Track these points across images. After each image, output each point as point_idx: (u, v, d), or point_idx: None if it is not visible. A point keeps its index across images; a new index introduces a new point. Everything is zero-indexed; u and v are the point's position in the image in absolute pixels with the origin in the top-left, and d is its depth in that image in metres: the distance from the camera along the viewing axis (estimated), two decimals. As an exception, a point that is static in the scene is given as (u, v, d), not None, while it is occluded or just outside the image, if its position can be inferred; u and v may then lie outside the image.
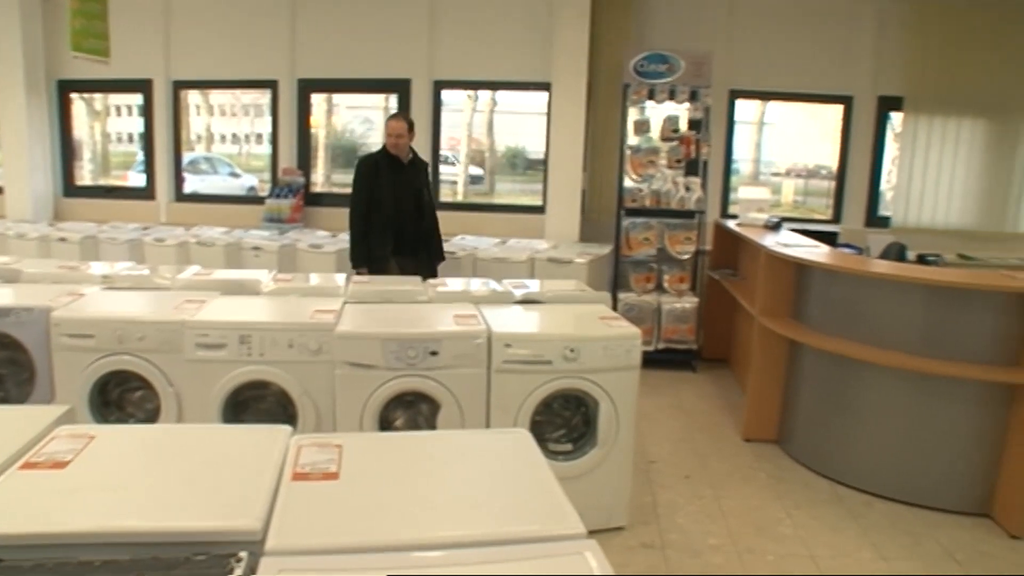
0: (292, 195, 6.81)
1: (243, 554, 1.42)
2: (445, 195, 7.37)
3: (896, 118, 7.07)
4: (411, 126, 5.32)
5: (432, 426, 3.33)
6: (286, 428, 1.99)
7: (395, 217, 5.25)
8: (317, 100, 7.33)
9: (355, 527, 1.55)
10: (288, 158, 7.03)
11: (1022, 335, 3.88)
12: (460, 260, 5.86)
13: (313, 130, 7.29)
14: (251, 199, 7.51)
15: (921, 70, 6.84)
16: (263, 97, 7.21)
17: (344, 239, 6.19)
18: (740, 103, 7.09)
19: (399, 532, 1.53)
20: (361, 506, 1.64)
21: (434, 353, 3.23)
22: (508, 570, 1.42)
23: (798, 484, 4.31)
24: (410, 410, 3.43)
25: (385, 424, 3.36)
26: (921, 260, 6.61)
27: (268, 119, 7.17)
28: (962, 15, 6.71)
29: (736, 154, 7.40)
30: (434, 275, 5.42)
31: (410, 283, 4.20)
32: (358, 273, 5.03)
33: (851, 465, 4.32)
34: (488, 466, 1.91)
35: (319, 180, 7.53)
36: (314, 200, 7.10)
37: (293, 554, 1.44)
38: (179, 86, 7.14)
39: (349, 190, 7.56)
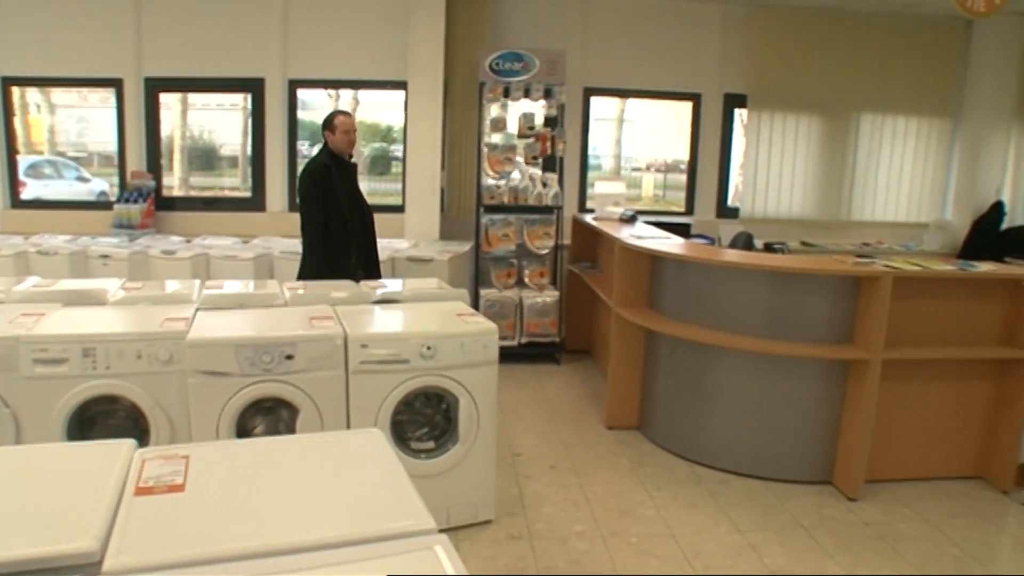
0: (142, 200, 6.53)
1: (79, 577, 1.38)
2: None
3: (742, 115, 7.44)
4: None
5: (292, 431, 3.28)
6: (129, 442, 1.91)
7: (355, 223, 4.86)
8: (170, 100, 7.04)
9: (200, 539, 1.51)
10: (137, 161, 6.73)
11: (853, 315, 4.16)
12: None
13: (167, 131, 7.00)
14: (99, 204, 7.12)
15: (762, 69, 7.26)
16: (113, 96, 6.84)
17: (200, 244, 6.00)
18: (598, 100, 7.28)
19: (246, 540, 1.50)
20: (207, 517, 1.60)
21: (290, 357, 3.18)
22: (357, 570, 1.42)
23: (659, 467, 4.47)
24: (269, 416, 3.37)
25: (244, 432, 3.28)
26: (768, 248, 6.98)
27: (114, 120, 6.81)
28: (797, 19, 7.17)
29: (595, 150, 7.61)
30: None
31: (266, 287, 4.11)
32: None
33: (708, 445, 4.52)
34: (339, 467, 1.90)
35: (175, 184, 7.25)
36: (167, 204, 6.82)
37: (132, 572, 1.40)
38: (9, 83, 6.67)
39: (207, 193, 7.35)
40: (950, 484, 4.36)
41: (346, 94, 7.47)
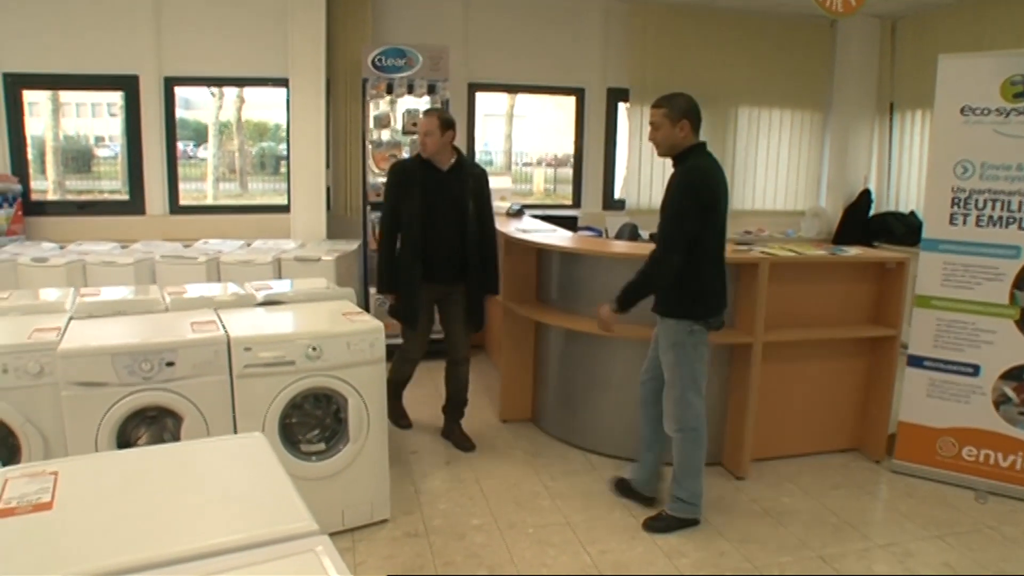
0: (8, 205, 6.19)
1: (-67, 610, 1.30)
2: (189, 198, 6.99)
3: (625, 108, 7.59)
4: (446, 123, 4.37)
5: (178, 440, 3.17)
6: (-11, 461, 1.82)
7: (424, 235, 4.38)
8: (41, 98, 6.68)
9: (69, 558, 1.44)
10: (0, 163, 6.37)
11: (735, 300, 4.29)
12: (203, 266, 5.54)
13: (37, 132, 6.64)
14: (-38, 211, 6.72)
15: (643, 63, 7.42)
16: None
17: (75, 251, 5.73)
18: (484, 96, 7.31)
19: (121, 555, 1.44)
20: (78, 534, 1.53)
21: (170, 364, 3.08)
22: (237, 578, 1.40)
23: (554, 457, 4.53)
24: (154, 426, 3.25)
25: (126, 444, 3.15)
26: (653, 239, 7.11)
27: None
28: (677, 15, 7.40)
29: (487, 145, 7.66)
30: (480, 315, 4.62)
31: (146, 293, 3.95)
32: (387, 302, 4.19)
33: (600, 434, 4.59)
34: (220, 474, 1.86)
35: (49, 187, 6.91)
36: (37, 209, 6.47)
37: (-9, 599, 1.34)
38: None
39: (85, 196, 7.03)
40: (829, 457, 4.60)
41: (231, 92, 7.29)
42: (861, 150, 8.05)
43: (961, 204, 4.23)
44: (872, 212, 7.89)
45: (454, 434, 4.72)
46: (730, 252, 4.35)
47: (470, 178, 4.48)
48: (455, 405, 4.77)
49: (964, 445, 4.26)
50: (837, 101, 7.98)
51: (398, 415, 4.91)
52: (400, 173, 4.50)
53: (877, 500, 4.15)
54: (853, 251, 4.61)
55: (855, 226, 7.76)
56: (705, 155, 3.58)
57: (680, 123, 3.48)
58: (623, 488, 4.03)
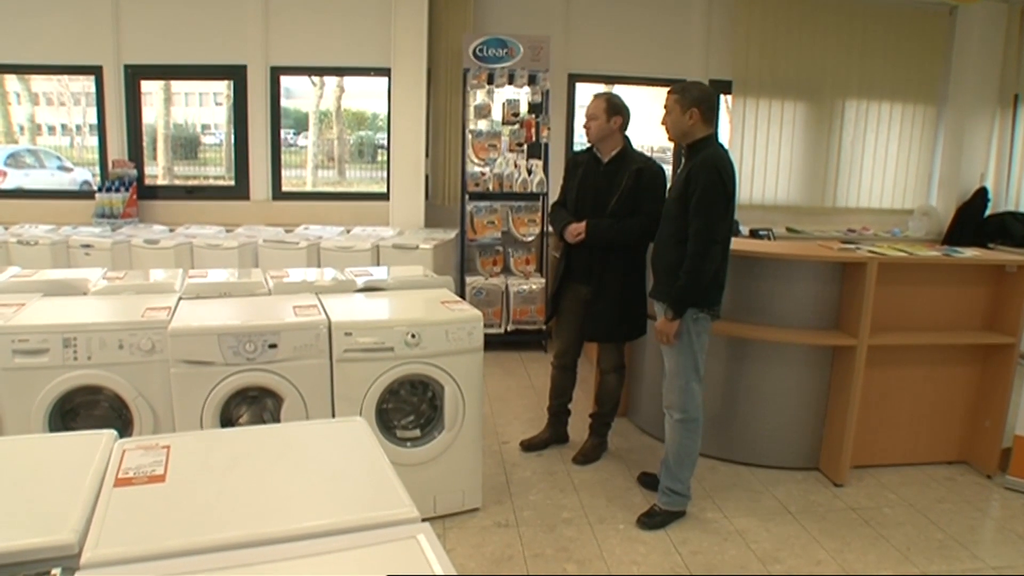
0: (125, 189, 6.46)
1: (56, 571, 1.34)
2: (288, 185, 7.18)
3: (727, 101, 7.41)
4: (614, 108, 3.98)
5: (277, 420, 3.25)
6: (109, 433, 1.88)
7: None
8: (154, 88, 6.97)
9: (180, 530, 1.48)
10: (118, 149, 6.66)
11: (839, 301, 4.17)
12: (303, 251, 5.69)
13: (150, 120, 6.93)
14: (81, 194, 7.06)
15: (747, 55, 7.24)
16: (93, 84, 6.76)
17: (183, 233, 5.95)
18: (583, 87, 7.24)
19: (227, 530, 1.48)
20: (188, 507, 1.57)
21: (273, 346, 3.15)
22: (340, 560, 1.40)
23: (646, 453, 4.48)
24: (254, 406, 3.34)
25: (229, 422, 3.26)
26: (754, 234, 6.98)
27: (94, 108, 6.72)
28: (782, 4, 7.13)
29: (584, 136, 7.58)
30: (594, 323, 4.19)
31: (250, 276, 4.07)
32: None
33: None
34: (322, 456, 1.88)
35: (159, 172, 7.20)
36: (150, 193, 6.76)
37: (111, 564, 1.36)
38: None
39: (191, 181, 7.31)
40: (935, 469, 4.39)
41: (331, 81, 7.43)
42: (978, 146, 7.67)
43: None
44: (988, 212, 7.52)
45: (584, 444, 4.45)
46: (836, 251, 4.22)
47: (626, 173, 3.97)
48: (594, 415, 4.47)
49: (1087, 461, 4.02)
50: (953, 93, 7.61)
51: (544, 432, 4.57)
52: (570, 160, 4.31)
53: (989, 518, 3.93)
54: (969, 252, 4.39)
55: (968, 226, 7.40)
56: (719, 145, 3.54)
57: (690, 111, 3.46)
58: (651, 483, 3.96)
